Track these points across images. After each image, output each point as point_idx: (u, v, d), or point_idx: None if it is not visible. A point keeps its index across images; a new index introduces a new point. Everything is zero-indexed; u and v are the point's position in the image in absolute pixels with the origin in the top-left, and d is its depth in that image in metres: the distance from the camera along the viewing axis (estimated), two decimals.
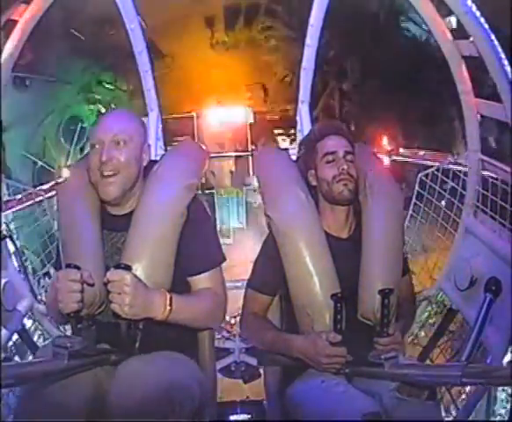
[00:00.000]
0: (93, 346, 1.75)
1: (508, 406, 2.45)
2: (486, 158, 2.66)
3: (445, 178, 2.85)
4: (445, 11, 2.49)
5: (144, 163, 1.89)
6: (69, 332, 1.74)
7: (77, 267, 1.62)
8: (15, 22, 2.51)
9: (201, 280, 1.87)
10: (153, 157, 2.01)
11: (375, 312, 1.91)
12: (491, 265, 2.43)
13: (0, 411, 2.31)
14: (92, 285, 1.66)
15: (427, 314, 2.94)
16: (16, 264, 2.77)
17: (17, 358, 2.67)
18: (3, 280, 2.47)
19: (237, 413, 2.67)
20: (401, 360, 1.75)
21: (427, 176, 2.93)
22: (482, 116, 2.62)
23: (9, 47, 2.50)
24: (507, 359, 2.24)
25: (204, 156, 2.17)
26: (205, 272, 1.87)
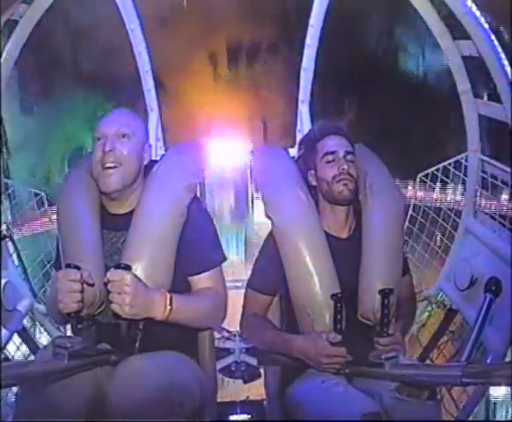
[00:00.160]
0: (93, 346, 1.75)
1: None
2: (486, 158, 2.66)
3: (445, 178, 2.85)
4: (445, 11, 2.50)
5: (145, 162, 1.90)
6: (69, 332, 1.74)
7: (77, 267, 1.62)
8: (15, 22, 2.52)
9: (202, 280, 1.87)
10: (153, 157, 2.01)
11: (375, 312, 1.90)
12: (491, 265, 2.43)
13: (0, 410, 2.31)
14: (92, 285, 1.66)
15: (427, 314, 2.94)
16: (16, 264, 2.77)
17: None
18: (3, 280, 2.47)
19: (237, 413, 2.67)
20: (401, 360, 1.75)
21: (426, 176, 2.93)
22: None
23: (9, 47, 2.51)
24: (507, 359, 2.24)
25: (205, 156, 2.17)
26: (205, 272, 1.87)
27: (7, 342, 2.51)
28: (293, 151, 2.78)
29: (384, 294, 1.87)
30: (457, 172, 2.78)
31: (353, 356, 1.83)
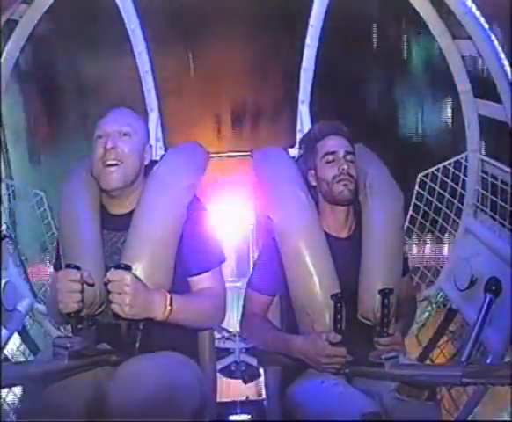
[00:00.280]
0: (93, 347, 1.75)
1: None
2: (486, 158, 2.66)
3: (445, 179, 2.85)
4: (445, 11, 2.50)
5: (146, 162, 1.91)
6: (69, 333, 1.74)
7: (77, 267, 1.62)
8: (15, 22, 2.52)
9: (201, 281, 1.87)
10: (153, 157, 2.01)
11: (375, 312, 1.91)
12: (491, 265, 2.43)
13: (0, 410, 2.31)
14: (92, 285, 1.67)
15: (427, 314, 2.94)
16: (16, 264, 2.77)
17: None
18: (3, 280, 2.47)
19: (237, 413, 2.67)
20: (401, 360, 1.75)
21: (426, 176, 2.93)
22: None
23: (9, 47, 2.51)
24: (506, 359, 2.25)
25: (205, 157, 2.17)
26: (205, 273, 1.87)
27: (7, 342, 2.51)
28: (293, 151, 2.78)
29: (384, 294, 1.87)
30: (457, 172, 2.78)
31: (353, 356, 1.83)
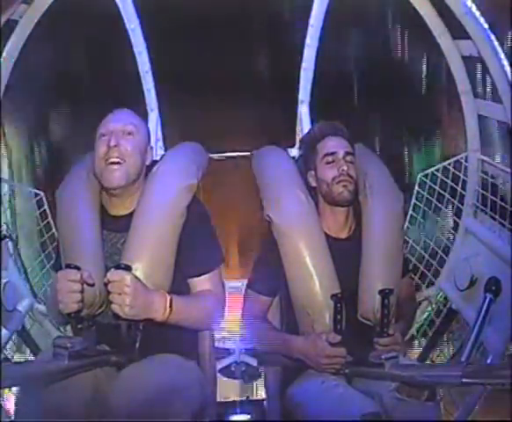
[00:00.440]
0: (94, 347, 1.75)
1: None
2: (486, 158, 2.66)
3: (445, 179, 2.85)
4: (445, 11, 2.49)
5: (147, 163, 1.91)
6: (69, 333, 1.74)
7: (77, 267, 1.62)
8: (15, 22, 2.51)
9: (201, 282, 1.88)
10: (153, 157, 2.01)
11: (375, 312, 1.91)
12: (491, 265, 2.43)
13: (0, 410, 2.31)
14: (92, 285, 1.67)
15: (427, 314, 2.94)
16: (16, 264, 2.77)
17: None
18: (3, 280, 2.47)
19: (237, 413, 2.67)
20: (401, 360, 1.75)
21: (426, 176, 2.93)
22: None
23: (9, 47, 2.50)
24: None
25: (204, 158, 2.17)
26: (205, 275, 1.88)
27: (7, 342, 2.51)
28: (293, 151, 2.78)
29: (384, 294, 1.87)
30: (457, 172, 2.78)
31: (353, 356, 1.83)
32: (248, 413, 2.66)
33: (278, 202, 2.05)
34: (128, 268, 1.64)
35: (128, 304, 1.58)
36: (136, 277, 1.64)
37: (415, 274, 2.93)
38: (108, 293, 1.62)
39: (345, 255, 2.01)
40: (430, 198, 2.92)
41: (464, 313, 2.62)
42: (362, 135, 2.28)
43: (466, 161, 2.75)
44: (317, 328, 1.91)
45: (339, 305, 1.88)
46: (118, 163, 1.80)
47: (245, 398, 2.85)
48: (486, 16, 2.31)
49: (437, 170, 2.90)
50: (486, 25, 2.31)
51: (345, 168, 1.99)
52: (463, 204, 2.78)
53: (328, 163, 2.02)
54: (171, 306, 1.68)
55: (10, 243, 2.73)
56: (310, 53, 2.93)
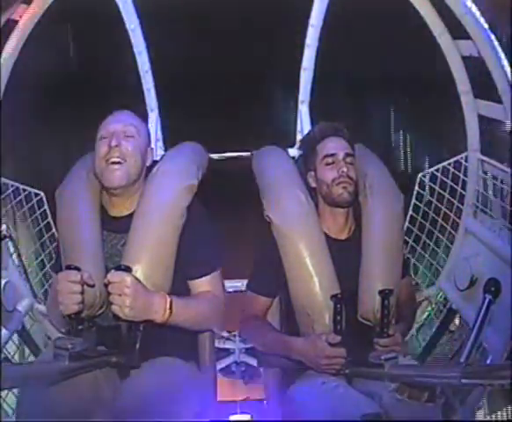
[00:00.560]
0: (94, 348, 1.75)
1: None
2: (486, 158, 2.66)
3: (445, 179, 2.85)
4: (445, 11, 2.49)
5: (147, 164, 1.91)
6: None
7: (78, 268, 1.62)
8: (15, 22, 2.51)
9: (201, 284, 1.88)
10: (153, 157, 2.01)
11: (375, 313, 1.91)
12: (491, 265, 2.43)
13: (0, 411, 2.31)
14: (93, 286, 1.67)
15: (427, 314, 2.94)
16: (16, 264, 2.77)
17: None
18: (3, 280, 2.47)
19: (236, 413, 2.68)
20: (401, 360, 1.75)
21: (426, 176, 2.93)
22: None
23: (9, 47, 2.50)
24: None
25: (204, 158, 2.17)
26: (205, 277, 1.88)
27: (7, 342, 2.51)
28: (293, 151, 2.78)
29: (384, 294, 1.87)
30: (457, 172, 2.78)
31: (352, 357, 1.83)
32: (248, 413, 2.66)
33: (278, 203, 2.05)
34: (128, 269, 1.64)
35: (128, 305, 1.58)
36: (136, 278, 1.64)
37: (415, 274, 2.94)
38: (108, 294, 1.62)
39: (345, 256, 2.01)
40: (430, 198, 2.92)
41: (463, 313, 2.62)
42: (362, 135, 2.27)
43: (466, 161, 2.75)
44: (316, 328, 1.91)
45: (338, 306, 1.88)
46: (119, 162, 1.80)
47: (245, 398, 2.86)
48: (486, 16, 2.31)
49: (437, 170, 2.90)
50: (486, 25, 2.31)
51: (345, 169, 1.98)
52: (463, 204, 2.78)
53: (328, 164, 2.02)
54: (171, 307, 1.68)
55: (10, 243, 2.73)
56: (310, 53, 2.94)
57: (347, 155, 2.02)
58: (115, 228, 1.87)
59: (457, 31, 2.50)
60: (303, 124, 3.03)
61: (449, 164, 2.85)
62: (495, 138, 2.69)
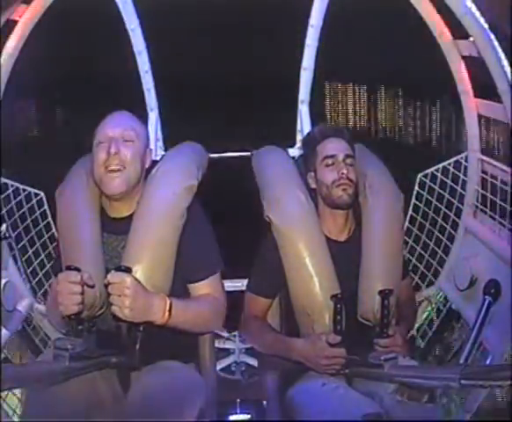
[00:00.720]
0: (94, 349, 1.75)
1: None
2: (486, 158, 2.66)
3: (445, 179, 2.85)
4: (445, 11, 2.49)
5: (147, 166, 1.90)
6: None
7: (78, 269, 1.62)
8: (15, 22, 2.51)
9: (201, 287, 1.87)
10: (153, 157, 2.01)
11: (375, 313, 1.91)
12: (491, 265, 2.43)
13: (0, 410, 2.31)
14: (93, 286, 1.67)
15: (427, 314, 2.94)
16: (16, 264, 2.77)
17: None
18: (3, 280, 2.47)
19: (236, 413, 2.67)
20: (400, 361, 1.75)
21: (426, 176, 2.93)
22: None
23: (9, 47, 2.50)
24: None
25: (204, 158, 2.16)
26: (204, 280, 1.87)
27: (7, 342, 2.51)
28: (293, 151, 2.78)
29: (384, 294, 1.87)
30: (457, 172, 2.78)
31: (352, 357, 1.83)
32: (248, 413, 2.66)
33: (278, 203, 2.05)
34: (128, 270, 1.64)
35: (127, 306, 1.58)
36: (136, 279, 1.64)
37: (415, 274, 2.94)
38: (108, 294, 1.62)
39: (345, 257, 2.00)
40: (430, 198, 2.92)
41: (463, 313, 2.62)
42: (363, 136, 2.27)
43: (466, 161, 2.75)
44: (316, 329, 1.91)
45: (339, 306, 1.88)
46: (118, 170, 1.78)
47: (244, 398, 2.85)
48: (486, 16, 2.31)
49: (437, 170, 2.90)
50: (486, 25, 2.30)
51: (345, 171, 1.98)
52: (463, 204, 2.78)
53: (328, 165, 2.01)
54: (170, 309, 1.68)
55: (10, 243, 2.73)
56: (310, 53, 2.94)
57: (347, 156, 2.02)
58: (115, 229, 1.86)
59: (457, 31, 2.50)
60: (303, 124, 3.03)
61: (449, 164, 2.84)
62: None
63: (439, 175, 2.89)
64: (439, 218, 2.90)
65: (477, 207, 2.71)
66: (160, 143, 3.12)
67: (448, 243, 2.86)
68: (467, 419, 2.31)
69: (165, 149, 3.01)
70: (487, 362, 2.26)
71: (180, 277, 1.84)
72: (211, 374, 2.06)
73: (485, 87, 2.54)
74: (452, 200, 2.82)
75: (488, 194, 2.59)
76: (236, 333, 3.00)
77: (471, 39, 2.40)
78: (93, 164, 1.82)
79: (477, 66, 2.52)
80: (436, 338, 2.86)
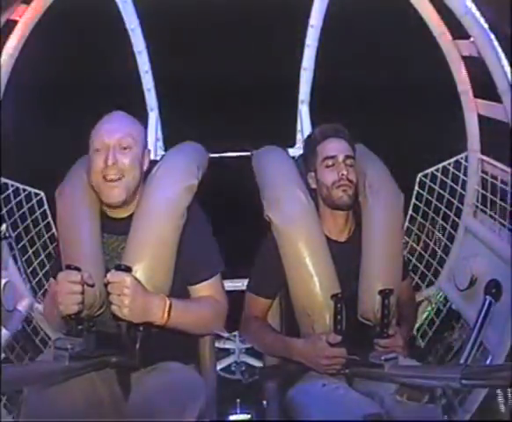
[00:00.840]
0: (94, 348, 1.75)
1: None
2: (486, 158, 2.66)
3: (445, 179, 2.85)
4: (445, 11, 2.49)
5: (145, 168, 1.88)
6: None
7: (78, 268, 1.62)
8: (15, 22, 2.51)
9: (201, 289, 1.87)
10: (153, 157, 2.00)
11: (375, 312, 1.91)
12: (491, 265, 2.43)
13: (0, 410, 2.31)
14: (92, 286, 1.66)
15: (427, 314, 2.94)
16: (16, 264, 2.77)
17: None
18: (3, 280, 2.46)
19: (236, 413, 2.68)
20: (401, 361, 1.75)
21: (426, 176, 2.93)
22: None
23: (9, 47, 2.50)
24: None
25: (204, 158, 2.16)
26: (205, 281, 1.86)
27: (7, 342, 2.51)
28: (293, 151, 2.78)
29: (384, 294, 1.87)
30: (457, 172, 2.78)
31: (352, 357, 1.83)
32: (248, 413, 2.66)
33: (278, 202, 2.05)
34: (128, 270, 1.64)
35: (126, 305, 1.58)
36: (136, 279, 1.64)
37: (415, 274, 2.94)
38: (108, 294, 1.62)
39: (345, 258, 2.00)
40: (430, 198, 2.92)
41: (463, 313, 2.62)
42: (363, 136, 2.27)
43: (466, 161, 2.75)
44: (317, 329, 1.91)
45: (339, 305, 1.88)
46: (117, 179, 1.76)
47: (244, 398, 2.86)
48: (486, 16, 2.31)
49: (437, 170, 2.90)
50: (486, 25, 2.30)
51: (345, 172, 1.98)
52: (463, 204, 2.78)
53: (328, 166, 2.01)
54: (170, 310, 1.68)
55: (10, 243, 2.73)
56: (310, 53, 2.94)
57: (348, 157, 2.02)
58: (115, 229, 1.86)
59: (457, 31, 2.50)
60: (303, 124, 3.04)
61: (449, 164, 2.85)
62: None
63: (439, 175, 2.89)
64: (439, 218, 2.90)
65: (477, 206, 2.71)
66: (160, 143, 3.13)
67: (448, 243, 2.87)
68: (467, 419, 2.31)
69: (165, 149, 3.02)
70: (487, 362, 2.26)
71: (180, 278, 1.84)
72: (211, 375, 2.06)
73: (485, 87, 2.53)
74: (452, 199, 2.82)
75: (488, 194, 2.59)
76: (236, 333, 3.00)
77: (472, 39, 2.40)
78: (90, 170, 1.79)
79: (477, 66, 2.52)
80: (436, 338, 2.85)
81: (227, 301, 1.91)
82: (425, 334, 2.91)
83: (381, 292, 1.88)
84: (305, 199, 2.04)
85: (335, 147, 2.03)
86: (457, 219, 2.82)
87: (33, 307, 2.76)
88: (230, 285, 2.58)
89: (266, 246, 2.06)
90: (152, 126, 3.04)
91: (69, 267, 1.62)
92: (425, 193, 2.94)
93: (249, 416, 2.66)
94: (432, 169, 2.92)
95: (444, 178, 2.87)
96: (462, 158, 2.77)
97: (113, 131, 1.79)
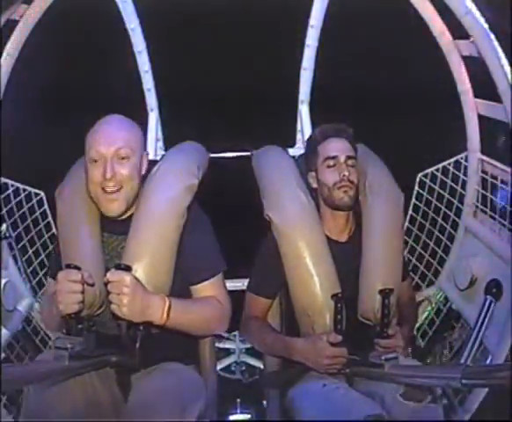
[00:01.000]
0: (94, 348, 1.75)
1: None
2: (486, 158, 2.66)
3: (445, 179, 2.85)
4: (445, 11, 2.49)
5: (143, 172, 1.86)
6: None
7: (78, 268, 1.62)
8: (15, 22, 2.51)
9: (203, 289, 1.86)
10: (153, 157, 2.00)
11: (375, 312, 1.91)
12: (491, 265, 2.43)
13: (0, 410, 2.31)
14: (92, 285, 1.66)
15: (427, 314, 2.94)
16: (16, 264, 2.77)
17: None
18: (3, 280, 2.47)
19: (236, 413, 2.68)
20: (401, 360, 1.75)
21: (426, 176, 2.93)
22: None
23: (9, 46, 2.50)
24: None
25: (204, 158, 2.16)
26: (206, 281, 1.85)
27: (7, 342, 2.51)
28: (293, 151, 2.78)
29: (384, 294, 1.87)
30: (457, 172, 2.78)
31: (353, 356, 1.83)
32: (248, 413, 2.66)
33: (278, 202, 2.05)
34: (128, 269, 1.63)
35: (125, 304, 1.58)
36: (136, 278, 1.64)
37: (415, 274, 2.94)
38: (108, 293, 1.62)
39: (345, 258, 2.00)
40: (430, 198, 2.92)
41: (464, 313, 2.62)
42: (363, 136, 2.27)
43: (466, 161, 2.75)
44: (317, 329, 1.91)
45: (339, 305, 1.88)
46: (116, 191, 1.74)
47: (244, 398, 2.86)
48: (486, 16, 2.31)
49: (437, 170, 2.90)
50: (486, 25, 2.30)
51: (346, 173, 1.97)
52: (463, 204, 2.78)
53: (329, 167, 2.01)
54: (169, 310, 1.67)
55: (10, 243, 2.73)
56: (310, 53, 2.94)
57: (349, 157, 2.01)
58: (115, 229, 1.85)
59: (457, 31, 2.50)
60: (303, 124, 3.04)
61: (449, 164, 2.85)
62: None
63: (439, 175, 2.89)
64: (439, 218, 2.90)
65: (477, 206, 2.71)
66: (160, 143, 3.13)
67: (448, 242, 2.86)
68: (467, 419, 2.31)
69: (165, 149, 3.01)
70: (487, 362, 2.26)
71: (181, 278, 1.83)
72: (211, 375, 2.06)
73: (485, 87, 2.53)
74: (452, 199, 2.82)
75: (488, 194, 2.59)
76: (236, 333, 3.00)
77: (472, 39, 2.40)
78: (87, 180, 1.77)
79: (477, 66, 2.52)
80: (436, 338, 2.85)
81: (230, 302, 1.89)
82: (425, 334, 2.91)
83: (381, 292, 1.88)
84: (305, 198, 2.04)
85: (337, 147, 2.02)
86: (457, 219, 2.81)
87: (33, 307, 2.76)
88: (231, 285, 2.57)
89: (267, 246, 2.06)
90: (152, 126, 3.04)
91: (69, 266, 1.62)
92: (425, 193, 2.94)
93: (249, 416, 2.66)
94: (432, 169, 2.92)
95: (444, 178, 2.86)
96: (462, 158, 2.77)
97: (110, 141, 1.74)
